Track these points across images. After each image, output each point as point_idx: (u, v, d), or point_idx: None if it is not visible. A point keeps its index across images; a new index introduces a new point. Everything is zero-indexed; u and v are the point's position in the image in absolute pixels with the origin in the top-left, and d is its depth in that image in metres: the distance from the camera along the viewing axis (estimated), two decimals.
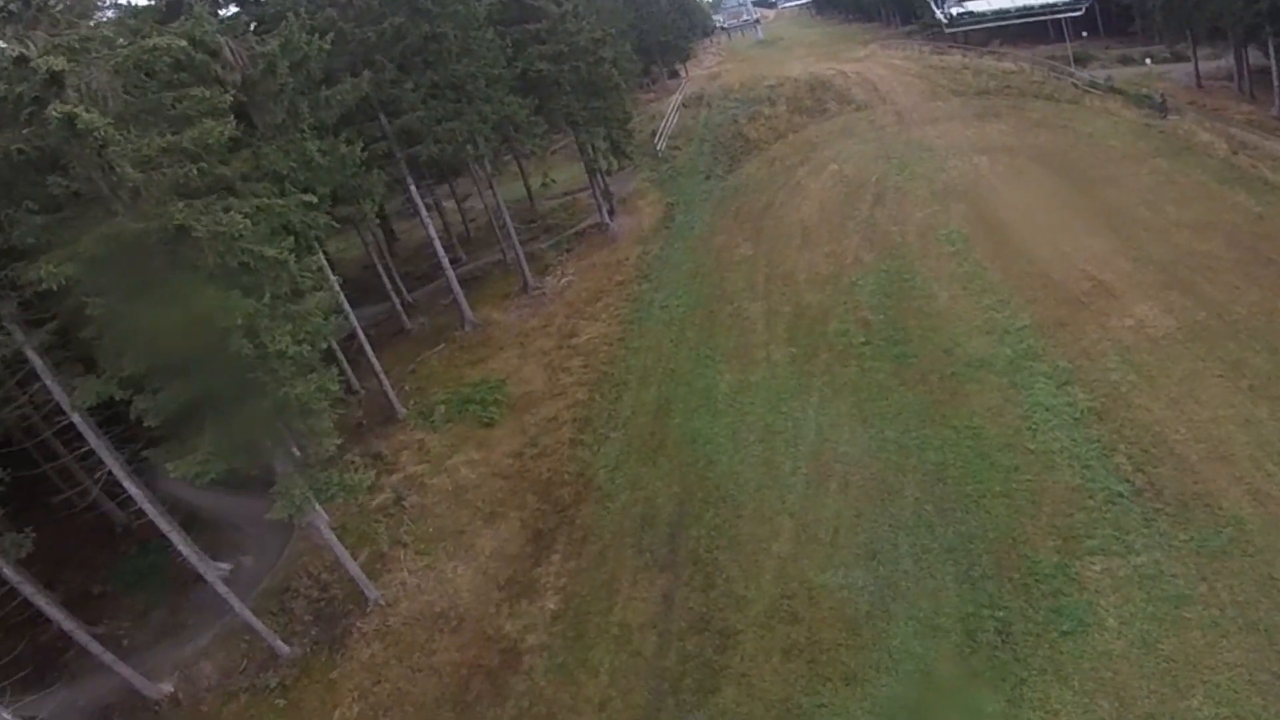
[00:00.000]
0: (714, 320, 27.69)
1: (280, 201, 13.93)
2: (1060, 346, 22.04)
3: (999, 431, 19.81)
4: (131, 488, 15.99)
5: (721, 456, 21.27)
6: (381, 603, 19.28)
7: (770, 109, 44.13)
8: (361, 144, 25.84)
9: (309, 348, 13.77)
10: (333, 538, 18.40)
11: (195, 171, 13.07)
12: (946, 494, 18.52)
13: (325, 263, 23.72)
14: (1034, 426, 19.71)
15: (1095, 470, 17.90)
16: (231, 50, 21.14)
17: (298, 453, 15.51)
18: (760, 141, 41.40)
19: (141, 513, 16.65)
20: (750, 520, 19.11)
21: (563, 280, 34.16)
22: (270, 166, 20.08)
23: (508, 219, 32.80)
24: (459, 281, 38.32)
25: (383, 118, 26.72)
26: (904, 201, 31.88)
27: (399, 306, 33.35)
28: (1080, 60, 44.83)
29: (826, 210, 33.34)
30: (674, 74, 56.00)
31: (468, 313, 31.91)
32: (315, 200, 15.96)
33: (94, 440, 16.33)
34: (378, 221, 43.31)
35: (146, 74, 13.42)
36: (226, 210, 13.15)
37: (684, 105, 47.37)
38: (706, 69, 56.12)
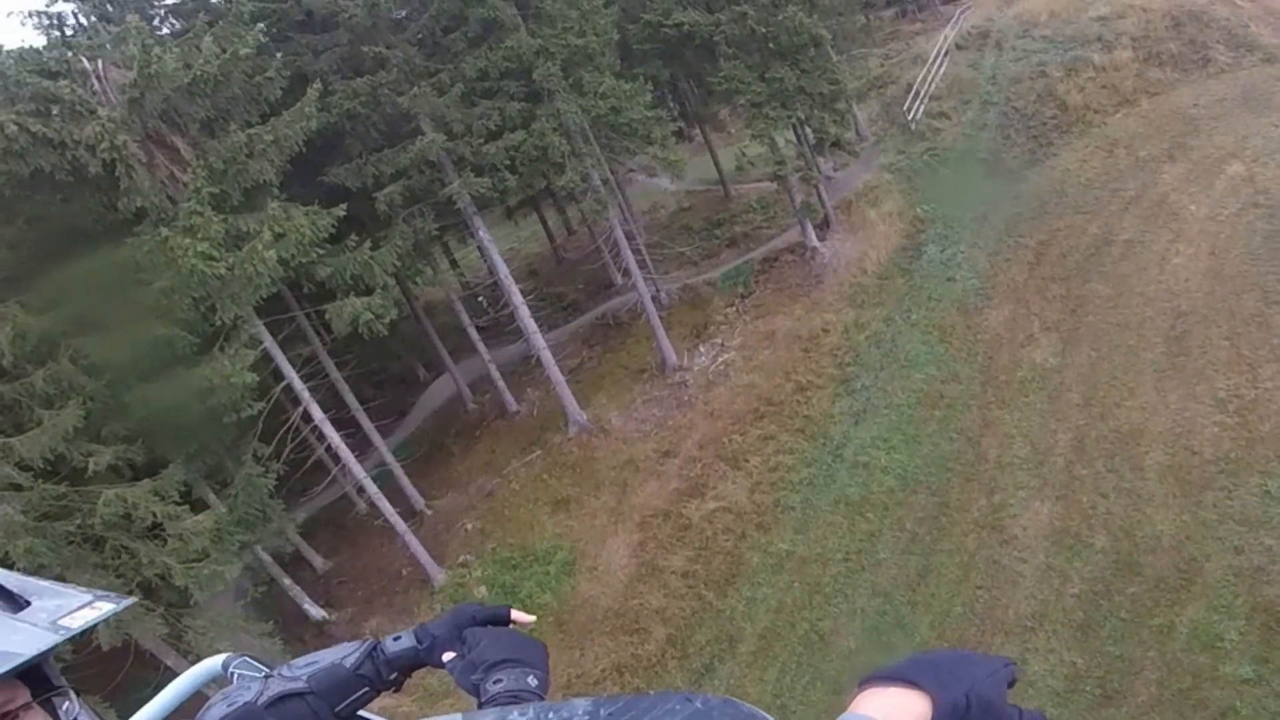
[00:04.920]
0: (942, 531, 14.24)
1: None
2: None
3: None
4: None
5: None
6: None
7: (1104, 55, 25.72)
8: (362, 187, 16.22)
9: None
10: None
11: None
12: None
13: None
14: None
15: None
16: (99, 78, 12.67)
17: None
18: (1088, 111, 24.16)
19: None
20: None
21: (719, 359, 22.17)
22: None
23: (632, 265, 21.30)
24: (593, 323, 28.07)
25: (425, 126, 16.38)
26: None
27: (500, 380, 23.67)
28: None
29: (1225, 268, 17.00)
30: None
31: (573, 408, 21.61)
32: None
33: None
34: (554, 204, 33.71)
35: None
36: None
37: (958, 46, 30.37)
38: None
